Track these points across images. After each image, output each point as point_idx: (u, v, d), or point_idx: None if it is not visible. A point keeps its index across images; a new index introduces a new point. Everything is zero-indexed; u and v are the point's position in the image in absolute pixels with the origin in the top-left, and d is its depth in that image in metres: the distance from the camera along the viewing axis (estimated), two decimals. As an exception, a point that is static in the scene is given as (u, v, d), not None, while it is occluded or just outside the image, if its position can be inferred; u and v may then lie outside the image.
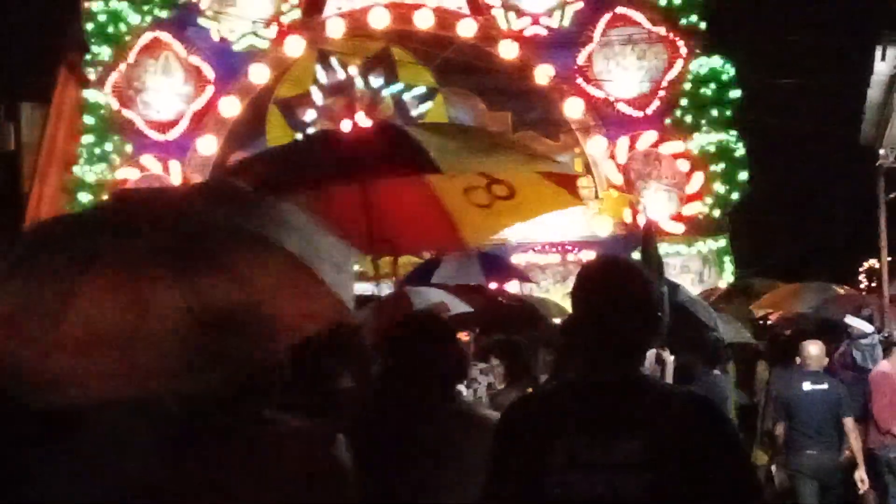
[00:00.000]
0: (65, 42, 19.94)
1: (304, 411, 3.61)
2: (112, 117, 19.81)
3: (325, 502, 3.32)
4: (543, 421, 3.26)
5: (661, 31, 19.60)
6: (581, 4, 19.92)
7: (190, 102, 20.03)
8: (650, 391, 3.30)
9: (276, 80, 20.22)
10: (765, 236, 25.59)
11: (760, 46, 23.99)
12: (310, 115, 20.22)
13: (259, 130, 20.18)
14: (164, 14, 20.10)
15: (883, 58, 15.20)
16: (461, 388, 6.30)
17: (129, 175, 19.80)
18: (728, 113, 19.46)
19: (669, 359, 8.06)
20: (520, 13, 20.01)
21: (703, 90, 19.38)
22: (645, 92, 19.68)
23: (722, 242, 19.39)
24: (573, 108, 19.67)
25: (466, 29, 19.84)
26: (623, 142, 19.49)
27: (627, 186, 19.26)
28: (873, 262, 22.27)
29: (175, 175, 19.77)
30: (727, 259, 19.39)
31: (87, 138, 19.74)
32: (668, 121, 19.53)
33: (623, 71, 19.80)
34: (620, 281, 3.29)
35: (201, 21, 20.08)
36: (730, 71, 19.47)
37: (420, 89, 20.15)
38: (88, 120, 19.75)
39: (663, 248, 14.81)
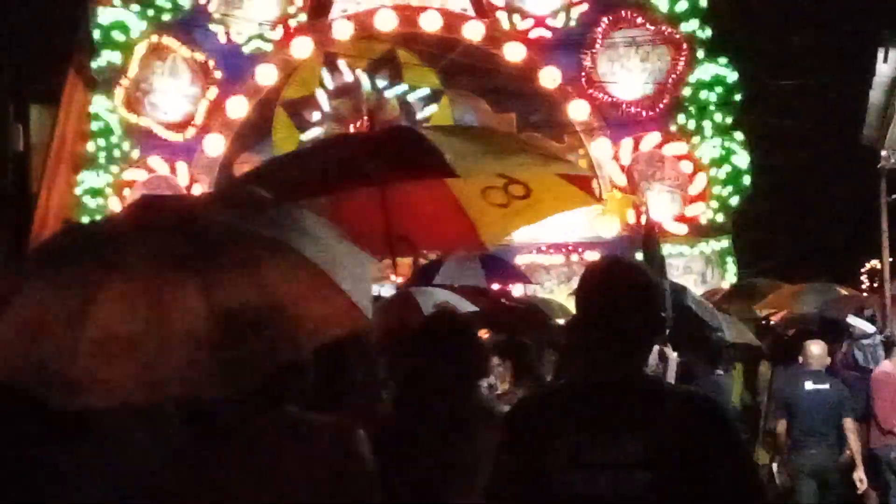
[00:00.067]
0: (73, 44, 19.95)
1: (324, 408, 3.63)
2: (119, 120, 19.88)
3: (347, 497, 3.34)
4: (545, 421, 3.27)
5: (665, 28, 19.66)
6: (585, 6, 19.96)
7: (197, 104, 20.08)
8: (652, 391, 3.31)
9: (283, 81, 20.23)
10: (767, 237, 25.59)
11: (762, 47, 24.01)
12: (316, 116, 20.29)
13: (266, 132, 20.19)
14: (170, 18, 20.16)
15: (885, 59, 15.25)
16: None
17: (136, 177, 19.87)
18: (729, 120, 19.51)
19: (672, 355, 8.11)
20: (524, 15, 20.02)
21: (705, 95, 19.42)
22: (649, 94, 19.72)
23: (724, 243, 19.40)
24: (578, 111, 19.70)
25: (473, 31, 19.84)
26: (626, 143, 19.52)
27: (631, 188, 19.28)
28: (875, 263, 22.30)
29: (182, 176, 19.80)
30: (730, 260, 19.39)
31: (95, 141, 19.80)
32: (671, 123, 19.59)
33: (627, 73, 19.81)
34: (623, 281, 3.30)
35: (211, 26, 20.12)
36: (733, 76, 19.52)
37: (425, 91, 20.16)
38: (96, 123, 19.82)
39: (666, 248, 14.88)
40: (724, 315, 11.35)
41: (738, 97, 19.55)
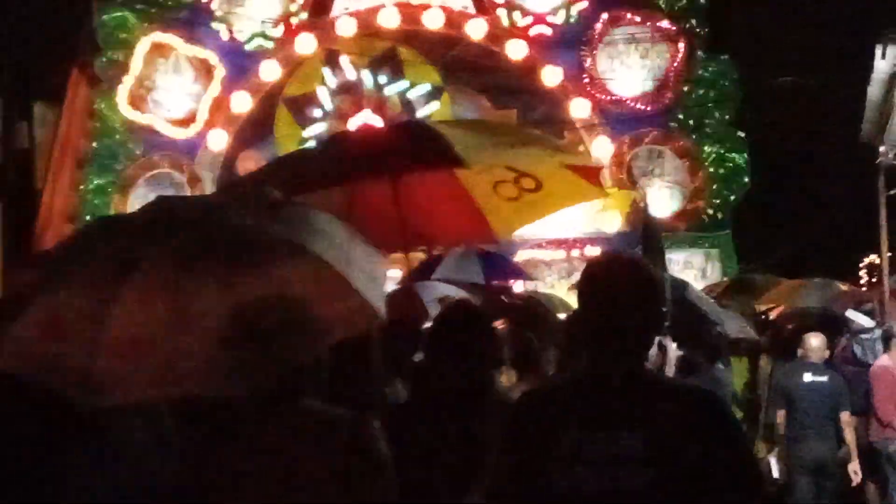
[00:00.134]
0: (77, 41, 20.00)
1: (339, 402, 3.62)
2: (123, 118, 19.94)
3: (363, 489, 3.35)
4: (548, 416, 3.28)
5: (664, 23, 19.72)
6: (585, 4, 20.01)
7: (200, 101, 20.15)
8: (653, 386, 3.32)
9: (285, 78, 20.30)
10: (766, 232, 25.59)
11: (761, 43, 24.03)
12: (317, 113, 20.34)
13: (268, 129, 20.28)
14: (173, 16, 20.23)
15: (883, 56, 15.24)
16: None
17: (139, 174, 19.97)
18: (728, 116, 19.57)
19: (671, 346, 8.14)
20: (524, 13, 20.09)
21: (705, 92, 19.49)
22: (648, 90, 19.80)
23: (724, 238, 19.53)
24: (579, 108, 19.77)
25: (475, 29, 19.92)
26: (627, 140, 19.61)
27: (631, 184, 19.36)
28: (873, 258, 22.34)
29: (186, 172, 19.91)
30: (729, 255, 19.50)
31: (98, 139, 19.86)
32: (671, 120, 19.66)
33: (627, 69, 19.90)
34: (624, 277, 3.30)
35: (213, 24, 20.19)
36: (732, 73, 19.58)
37: (425, 87, 20.24)
38: (99, 121, 19.87)
39: (666, 244, 14.94)
40: (725, 310, 11.43)
41: (737, 94, 19.60)
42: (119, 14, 20.11)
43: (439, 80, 20.21)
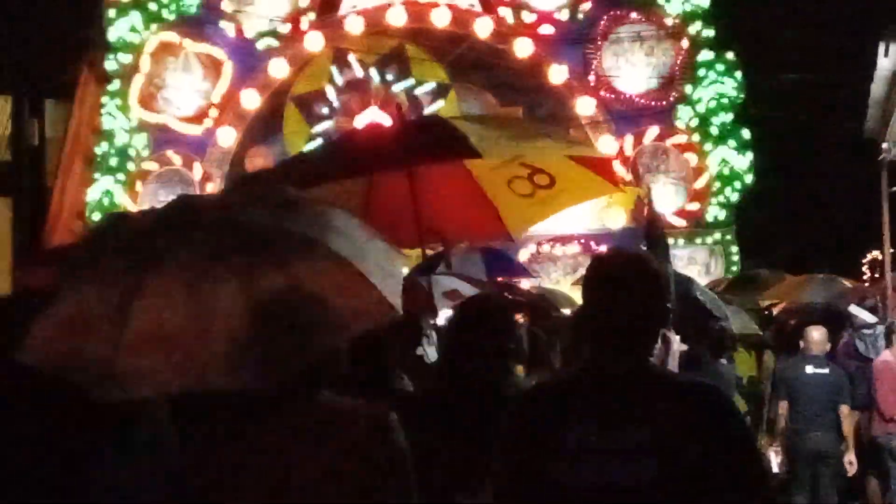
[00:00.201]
0: (86, 39, 20.06)
1: (356, 394, 3.62)
2: (133, 116, 20.04)
3: (383, 482, 3.35)
4: (554, 410, 3.28)
5: (669, 21, 19.80)
6: (589, 4, 20.09)
7: (209, 98, 20.25)
8: (658, 382, 3.32)
9: (294, 75, 20.40)
10: (770, 229, 25.68)
11: (765, 40, 24.09)
12: (325, 110, 20.43)
13: (276, 126, 20.40)
14: (182, 14, 20.33)
15: (886, 53, 15.33)
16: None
17: (148, 170, 20.09)
18: (732, 114, 19.65)
19: (675, 338, 8.21)
20: (530, 11, 20.13)
21: (709, 89, 19.56)
22: (653, 88, 19.90)
23: (728, 235, 19.60)
24: (584, 106, 19.85)
25: (482, 27, 20.01)
26: (631, 136, 19.71)
27: (636, 180, 19.42)
28: (876, 254, 22.43)
29: (196, 169, 20.01)
30: (733, 251, 19.56)
31: (108, 137, 19.97)
32: (675, 117, 19.74)
33: (632, 67, 19.98)
34: (629, 273, 3.30)
35: (221, 23, 20.29)
36: (736, 71, 19.65)
37: (431, 85, 20.31)
38: (109, 120, 19.98)
39: (670, 240, 15.02)
40: (729, 306, 11.52)
41: (741, 92, 19.67)
42: (128, 13, 20.19)
43: (446, 77, 20.29)
